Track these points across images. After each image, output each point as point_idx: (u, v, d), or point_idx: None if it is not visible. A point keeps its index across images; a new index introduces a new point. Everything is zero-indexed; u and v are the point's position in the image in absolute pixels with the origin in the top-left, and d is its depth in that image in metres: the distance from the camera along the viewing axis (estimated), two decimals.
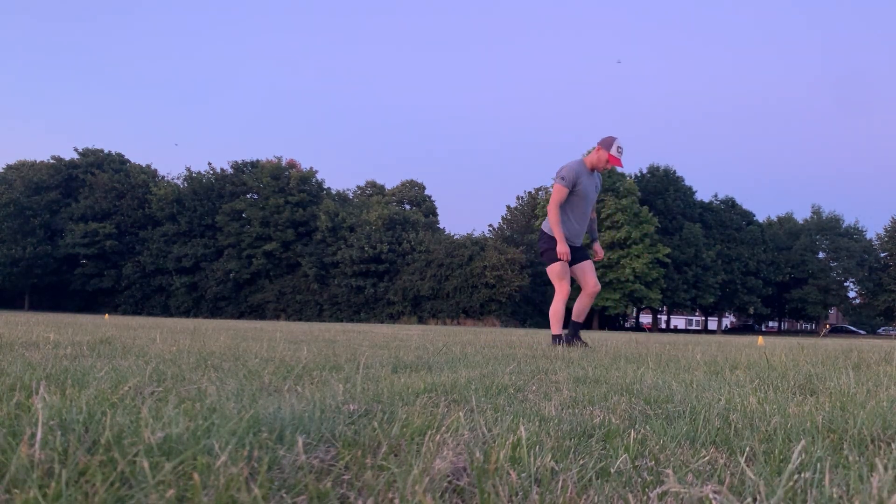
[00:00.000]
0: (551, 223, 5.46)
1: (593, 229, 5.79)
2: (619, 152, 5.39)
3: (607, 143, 5.43)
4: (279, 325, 17.59)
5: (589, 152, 5.70)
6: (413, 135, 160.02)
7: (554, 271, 5.59)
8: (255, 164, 57.32)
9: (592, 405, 1.94)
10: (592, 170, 5.53)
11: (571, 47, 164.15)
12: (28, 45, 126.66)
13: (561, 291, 5.59)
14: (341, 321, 45.28)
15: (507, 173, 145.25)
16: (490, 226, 65.38)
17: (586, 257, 5.77)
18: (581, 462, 1.19)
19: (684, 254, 52.47)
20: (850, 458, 1.23)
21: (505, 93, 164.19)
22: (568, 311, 5.68)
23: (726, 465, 1.23)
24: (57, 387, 1.83)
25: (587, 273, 5.73)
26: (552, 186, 5.45)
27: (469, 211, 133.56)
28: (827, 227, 60.35)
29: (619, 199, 49.56)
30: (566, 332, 5.82)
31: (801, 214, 74.79)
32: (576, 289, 5.81)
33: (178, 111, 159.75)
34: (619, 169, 5.99)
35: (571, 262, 5.66)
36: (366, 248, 49.70)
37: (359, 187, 68.27)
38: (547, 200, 48.55)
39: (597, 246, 5.66)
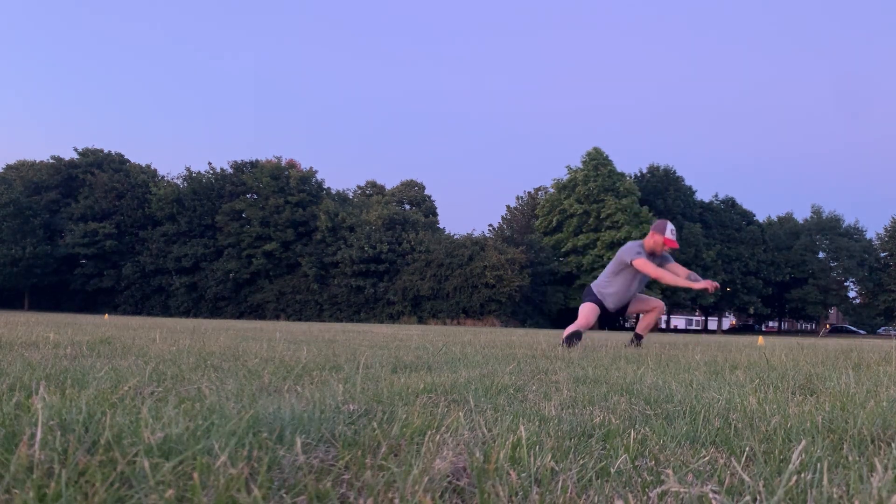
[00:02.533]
0: (658, 275, 5.87)
1: (690, 273, 6.10)
2: (672, 234, 5.93)
3: (660, 227, 5.93)
4: (279, 325, 17.58)
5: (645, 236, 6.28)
6: (413, 135, 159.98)
7: (585, 308, 6.10)
8: (255, 164, 57.21)
9: (592, 405, 1.94)
10: (651, 253, 6.00)
11: (571, 47, 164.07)
12: (28, 46, 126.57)
13: (581, 322, 6.00)
14: (341, 321, 45.27)
15: (507, 173, 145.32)
16: (490, 226, 65.40)
17: (634, 296, 6.27)
18: (581, 462, 1.19)
19: (684, 254, 52.43)
20: (850, 458, 1.22)
21: (505, 92, 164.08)
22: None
23: (726, 465, 1.23)
24: (57, 387, 1.83)
25: (644, 301, 6.25)
26: (632, 262, 5.86)
27: (469, 211, 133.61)
28: (827, 227, 60.33)
29: (619, 199, 49.52)
30: (633, 339, 6.34)
31: (801, 214, 74.88)
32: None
33: (178, 111, 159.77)
34: (673, 248, 6.61)
35: (627, 309, 6.24)
36: (366, 248, 49.66)
37: (359, 187, 68.30)
38: (546, 201, 48.37)
39: (703, 281, 5.80)
